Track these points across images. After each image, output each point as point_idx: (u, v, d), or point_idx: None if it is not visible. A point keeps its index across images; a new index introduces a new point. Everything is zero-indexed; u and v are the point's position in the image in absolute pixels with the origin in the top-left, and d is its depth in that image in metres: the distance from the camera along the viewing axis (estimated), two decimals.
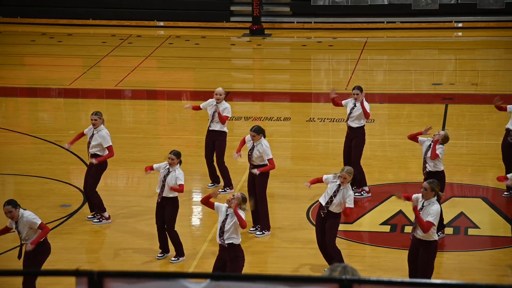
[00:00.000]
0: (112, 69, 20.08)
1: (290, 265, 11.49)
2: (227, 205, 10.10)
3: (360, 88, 13.00)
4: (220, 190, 13.38)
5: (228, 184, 13.41)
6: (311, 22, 23.40)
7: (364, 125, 13.04)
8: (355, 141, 13.00)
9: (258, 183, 11.98)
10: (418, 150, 15.26)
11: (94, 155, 12.36)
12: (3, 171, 14.42)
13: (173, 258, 11.44)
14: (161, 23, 23.61)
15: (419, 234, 9.92)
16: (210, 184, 13.67)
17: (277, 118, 16.73)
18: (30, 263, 9.99)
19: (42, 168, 14.43)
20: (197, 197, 13.59)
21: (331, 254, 10.77)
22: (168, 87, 18.86)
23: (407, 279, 9.44)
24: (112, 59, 20.80)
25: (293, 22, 23.49)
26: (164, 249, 11.61)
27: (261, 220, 12.08)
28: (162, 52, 21.42)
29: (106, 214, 12.48)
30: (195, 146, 15.25)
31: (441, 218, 11.77)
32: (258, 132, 12.02)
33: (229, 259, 10.03)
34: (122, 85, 18.84)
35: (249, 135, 12.08)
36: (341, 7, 23.32)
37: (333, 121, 16.46)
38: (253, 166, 12.03)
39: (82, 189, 12.77)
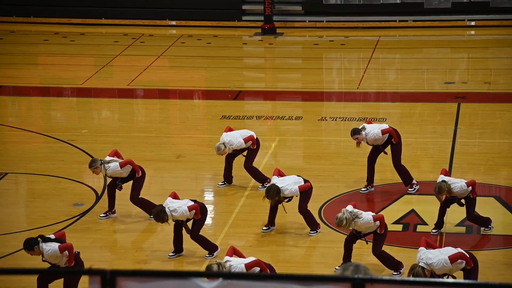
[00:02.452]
0: (124, 68, 20.12)
1: (302, 264, 11.49)
2: None
3: (357, 132, 12.94)
4: (260, 186, 13.37)
5: (264, 179, 13.36)
6: (323, 21, 23.38)
7: (386, 136, 13.04)
8: (392, 148, 13.08)
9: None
10: (430, 149, 15.24)
11: (118, 180, 12.49)
12: (16, 170, 14.48)
13: (207, 255, 11.50)
14: (173, 22, 23.64)
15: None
16: (220, 183, 13.68)
17: (289, 117, 16.72)
18: (67, 281, 10.09)
19: (55, 167, 14.48)
20: (209, 196, 13.62)
21: (380, 261, 11.00)
22: (180, 86, 18.89)
23: (419, 278, 9.43)
24: (124, 58, 20.85)
25: (305, 21, 23.47)
26: (177, 249, 11.63)
27: (307, 222, 12.06)
28: (174, 51, 21.45)
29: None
30: (206, 145, 15.27)
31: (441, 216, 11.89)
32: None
33: None
34: (134, 84, 18.89)
35: None
36: (353, 6, 23.28)
37: (345, 120, 16.44)
38: None
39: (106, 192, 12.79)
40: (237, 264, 9.98)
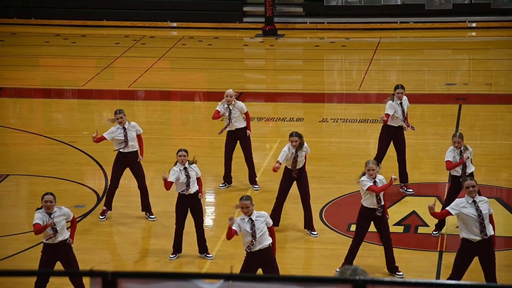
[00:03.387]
0: (126, 70, 20.13)
1: (303, 266, 11.49)
2: (243, 216, 10.01)
3: (403, 87, 13.29)
4: (256, 187, 13.42)
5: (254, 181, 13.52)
6: (324, 23, 23.39)
7: (400, 125, 13.17)
8: (399, 145, 13.20)
9: (305, 184, 11.98)
10: (431, 150, 15.24)
11: (131, 154, 12.44)
12: (17, 172, 14.49)
13: (208, 255, 11.54)
14: (174, 24, 23.66)
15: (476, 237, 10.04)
16: (221, 185, 13.69)
17: (290, 118, 16.73)
18: (70, 263, 10.08)
19: (56, 169, 14.49)
20: (210, 197, 13.62)
21: (387, 248, 11.00)
22: (181, 88, 18.90)
23: (421, 279, 9.43)
24: (126, 60, 20.86)
25: (306, 23, 23.48)
26: (177, 249, 11.63)
27: (306, 220, 12.08)
28: (175, 53, 21.46)
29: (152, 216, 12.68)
30: (207, 146, 15.28)
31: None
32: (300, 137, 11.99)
33: (265, 263, 10.01)
34: (135, 86, 18.90)
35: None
36: (354, 8, 23.29)
37: (346, 122, 16.45)
38: (297, 171, 12.01)
39: (109, 187, 12.75)
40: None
